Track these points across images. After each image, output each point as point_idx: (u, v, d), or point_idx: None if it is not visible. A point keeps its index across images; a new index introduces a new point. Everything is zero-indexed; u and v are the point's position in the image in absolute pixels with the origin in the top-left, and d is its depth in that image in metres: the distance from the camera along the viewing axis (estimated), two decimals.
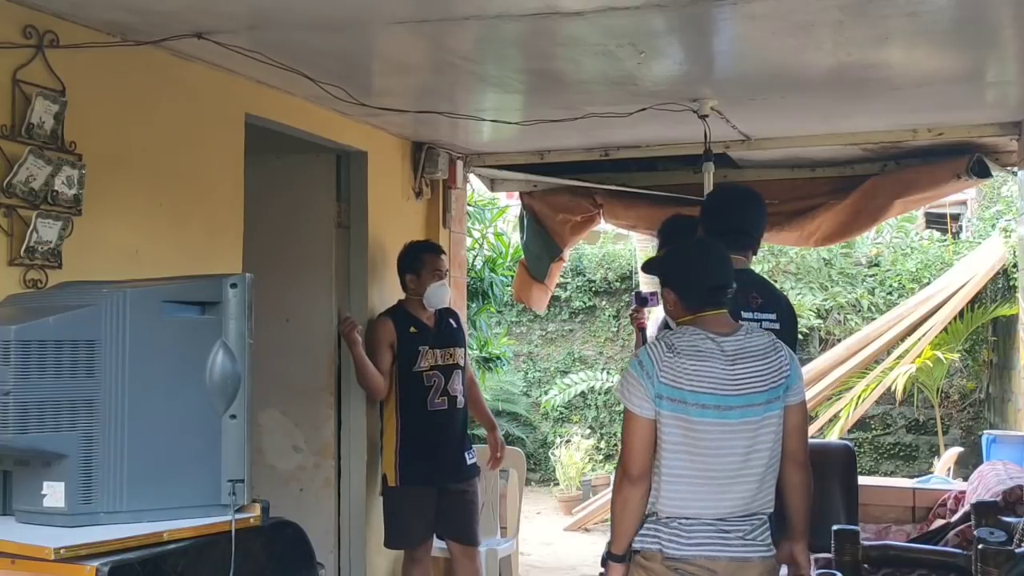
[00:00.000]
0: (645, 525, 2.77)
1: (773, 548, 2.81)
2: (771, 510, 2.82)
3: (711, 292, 2.84)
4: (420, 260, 4.73)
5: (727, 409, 2.71)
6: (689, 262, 2.93)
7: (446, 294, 4.73)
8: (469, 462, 4.74)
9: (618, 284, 10.54)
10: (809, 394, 8.47)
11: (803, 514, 2.93)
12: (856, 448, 6.36)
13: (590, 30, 3.49)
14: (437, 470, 4.64)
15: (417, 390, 4.64)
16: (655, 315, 5.69)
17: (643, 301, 5.46)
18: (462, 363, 4.77)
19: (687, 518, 2.71)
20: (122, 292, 2.47)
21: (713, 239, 3.16)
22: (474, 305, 7.29)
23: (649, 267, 3.17)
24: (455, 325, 4.83)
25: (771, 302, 3.38)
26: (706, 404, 2.70)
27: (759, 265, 9.25)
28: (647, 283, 8.98)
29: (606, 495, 8.47)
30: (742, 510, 2.73)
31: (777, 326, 3.26)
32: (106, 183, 3.50)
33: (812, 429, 8.63)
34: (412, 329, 4.71)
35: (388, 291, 4.71)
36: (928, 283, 9.15)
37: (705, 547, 2.69)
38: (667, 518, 2.73)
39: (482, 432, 5.18)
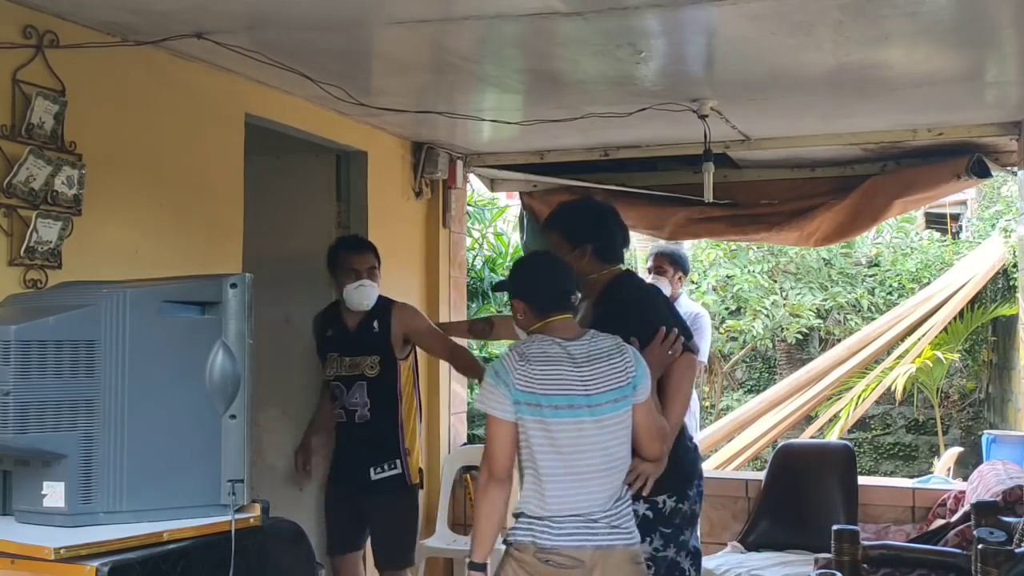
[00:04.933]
0: (518, 521, 2.93)
1: (637, 535, 3.00)
2: (629, 495, 3.01)
3: (556, 299, 3.02)
4: (336, 259, 4.41)
5: (579, 408, 2.89)
6: (534, 272, 3.13)
7: (363, 296, 4.34)
8: (375, 477, 4.34)
9: None
10: (809, 394, 8.50)
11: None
12: (856, 448, 6.36)
13: (590, 30, 3.49)
14: (343, 481, 4.45)
15: (331, 398, 4.48)
16: None
17: None
18: (371, 374, 4.34)
19: (562, 514, 2.87)
20: (122, 292, 2.47)
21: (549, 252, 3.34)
22: (474, 305, 7.29)
23: (499, 286, 3.23)
24: (377, 329, 4.39)
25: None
26: (559, 405, 2.88)
27: (759, 265, 9.26)
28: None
29: None
30: (607, 502, 2.91)
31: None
32: (106, 183, 3.50)
33: (812, 429, 8.64)
34: (329, 332, 4.47)
35: (388, 291, 4.71)
36: (928, 283, 9.15)
37: (574, 538, 2.87)
38: (539, 516, 2.89)
39: None
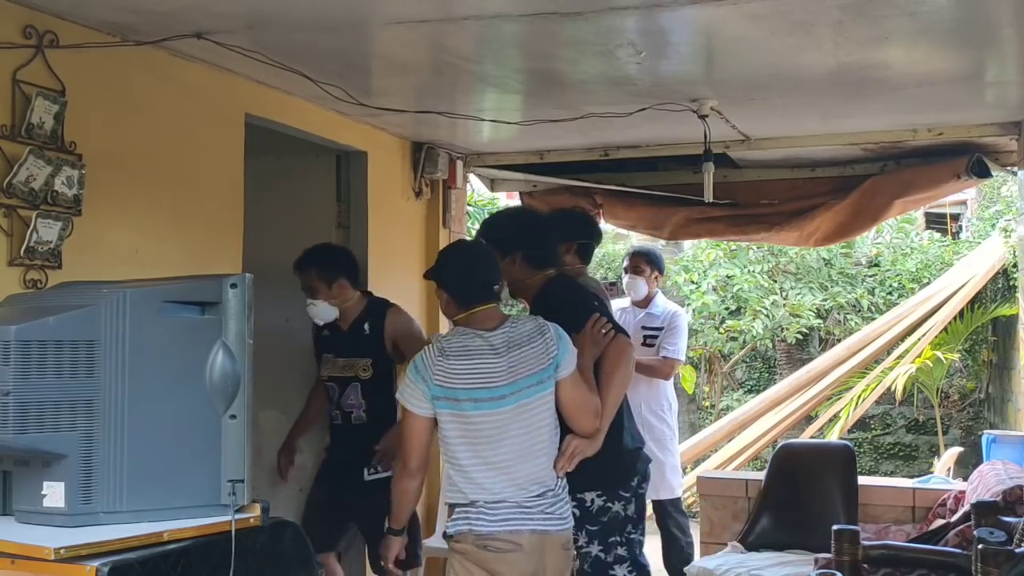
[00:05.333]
0: (455, 512, 3.01)
1: (570, 522, 3.10)
2: (560, 479, 3.09)
3: (478, 289, 3.09)
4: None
5: (500, 398, 2.96)
6: (456, 263, 3.19)
7: (313, 315, 4.39)
8: (368, 478, 4.34)
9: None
10: (809, 394, 8.49)
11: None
12: (856, 448, 6.35)
13: (590, 30, 3.49)
14: (332, 482, 4.45)
15: (326, 398, 4.48)
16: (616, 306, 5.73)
17: None
18: (365, 376, 4.34)
19: (490, 501, 2.96)
20: (122, 292, 2.47)
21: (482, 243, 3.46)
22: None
23: (427, 275, 3.34)
24: (368, 332, 4.39)
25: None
26: (479, 398, 2.96)
27: (759, 265, 9.25)
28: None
29: None
30: (537, 486, 3.00)
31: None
32: (106, 183, 3.50)
33: (812, 429, 8.63)
34: (324, 332, 4.47)
35: (388, 291, 4.71)
36: (928, 283, 9.14)
37: (510, 523, 2.94)
38: (471, 503, 2.97)
39: None
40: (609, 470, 3.42)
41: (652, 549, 5.91)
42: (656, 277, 5.66)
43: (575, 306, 3.51)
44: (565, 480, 3.14)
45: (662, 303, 5.66)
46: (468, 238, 3.70)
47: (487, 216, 3.99)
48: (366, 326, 4.39)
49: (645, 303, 5.62)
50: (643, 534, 3.64)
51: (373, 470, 4.34)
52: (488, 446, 2.97)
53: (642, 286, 5.58)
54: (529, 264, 3.56)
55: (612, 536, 3.48)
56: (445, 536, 3.08)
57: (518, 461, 2.98)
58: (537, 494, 3.00)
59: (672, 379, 5.69)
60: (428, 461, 3.12)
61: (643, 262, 5.62)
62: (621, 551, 3.51)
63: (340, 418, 4.38)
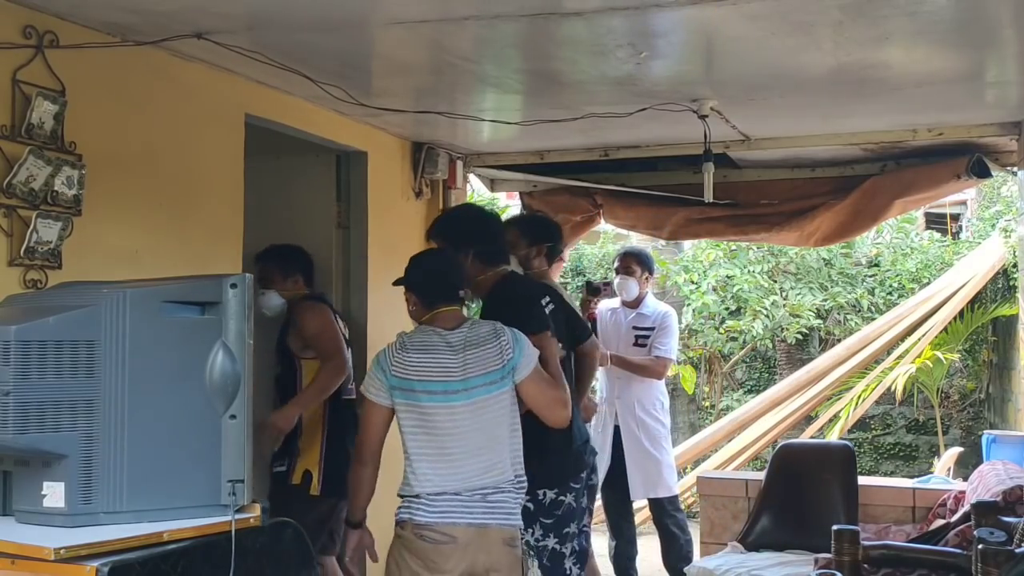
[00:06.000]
0: (402, 501, 3.14)
1: (516, 519, 3.16)
2: (513, 477, 3.16)
3: (441, 293, 3.26)
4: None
5: (453, 393, 3.11)
6: (421, 268, 3.34)
7: (263, 302, 4.39)
8: (276, 470, 4.38)
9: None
10: (809, 394, 8.49)
11: None
12: (856, 448, 6.35)
13: (590, 30, 3.49)
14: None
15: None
16: (603, 306, 5.73)
17: (595, 291, 5.53)
18: (277, 371, 4.50)
19: (433, 492, 3.08)
20: (122, 292, 2.47)
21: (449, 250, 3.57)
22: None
23: (397, 281, 3.43)
24: (281, 326, 4.48)
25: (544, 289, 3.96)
26: (433, 391, 3.11)
27: (759, 265, 9.25)
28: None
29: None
30: (483, 481, 3.10)
31: (552, 305, 3.80)
32: (106, 183, 3.50)
33: (812, 429, 8.63)
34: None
35: (388, 291, 4.70)
36: (928, 283, 9.13)
37: (447, 515, 3.06)
38: (415, 496, 3.10)
39: None
40: (561, 466, 3.59)
41: (651, 548, 5.93)
42: (647, 278, 5.69)
43: (528, 303, 3.61)
44: (523, 478, 3.21)
45: (652, 303, 5.71)
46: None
47: (443, 212, 4.03)
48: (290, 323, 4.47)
49: (636, 304, 5.64)
50: (589, 524, 3.83)
51: (277, 465, 4.39)
52: (439, 438, 3.11)
53: (633, 286, 5.59)
54: (481, 261, 3.65)
55: (567, 528, 3.62)
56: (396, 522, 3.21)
57: (465, 456, 3.10)
58: (479, 488, 3.10)
59: (665, 378, 5.73)
60: (381, 452, 3.22)
61: (634, 263, 5.64)
62: (575, 544, 3.65)
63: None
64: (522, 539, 3.26)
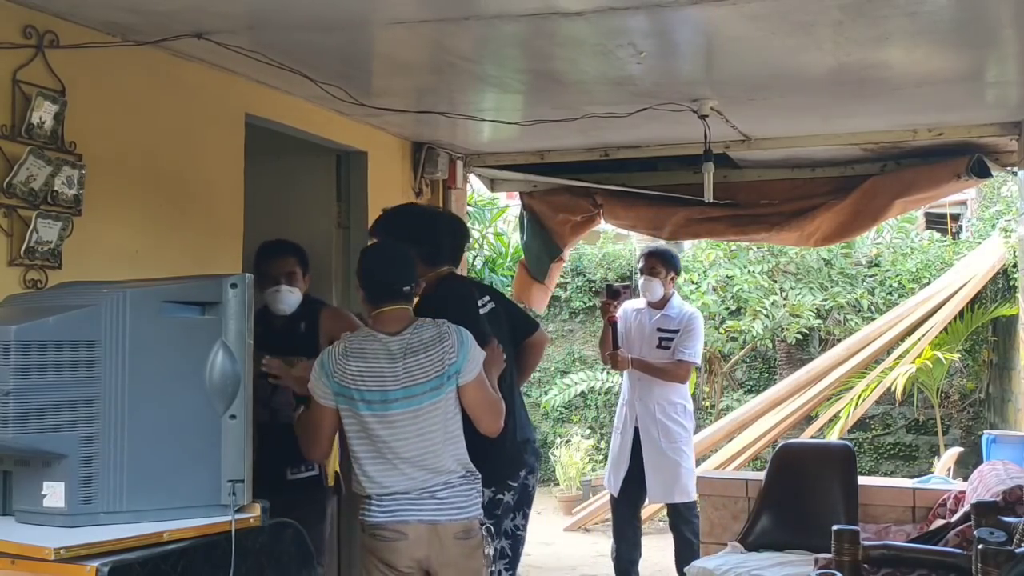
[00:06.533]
0: (361, 503, 3.17)
1: (468, 510, 3.18)
2: (462, 471, 3.19)
3: (383, 289, 3.21)
4: (256, 263, 4.21)
5: (391, 402, 3.10)
6: (366, 262, 3.29)
7: (277, 301, 4.14)
8: (291, 477, 4.20)
9: (618, 284, 10.53)
10: (809, 394, 8.49)
11: None
12: (856, 448, 6.35)
13: (590, 30, 3.49)
14: (258, 482, 4.34)
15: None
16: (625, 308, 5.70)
17: (615, 293, 5.46)
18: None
19: (382, 493, 3.11)
20: (122, 292, 2.47)
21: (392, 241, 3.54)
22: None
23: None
24: (303, 331, 4.22)
25: (484, 289, 3.98)
26: (371, 400, 3.10)
27: (759, 265, 9.25)
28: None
29: (606, 495, 8.46)
30: (431, 481, 3.12)
31: (493, 304, 3.81)
32: (106, 183, 3.50)
33: (812, 429, 8.63)
34: (258, 329, 4.33)
35: None
36: (928, 283, 9.13)
37: (396, 513, 3.10)
38: (366, 496, 3.14)
39: None
40: (499, 466, 3.58)
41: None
42: (672, 278, 5.53)
43: (464, 304, 3.63)
44: (472, 470, 3.23)
45: (678, 305, 5.55)
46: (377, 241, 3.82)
47: (383, 212, 3.95)
48: (302, 325, 4.27)
49: (661, 304, 5.50)
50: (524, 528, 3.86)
51: (297, 470, 4.24)
52: (378, 445, 3.11)
53: (657, 287, 5.46)
54: (424, 262, 3.63)
55: (504, 526, 3.65)
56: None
57: (407, 462, 3.11)
58: (428, 486, 3.12)
59: (688, 382, 5.59)
60: (331, 451, 3.27)
61: (658, 263, 5.50)
62: (506, 544, 3.69)
63: (267, 416, 4.17)
64: (482, 525, 3.25)
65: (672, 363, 5.41)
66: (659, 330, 5.48)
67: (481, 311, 3.75)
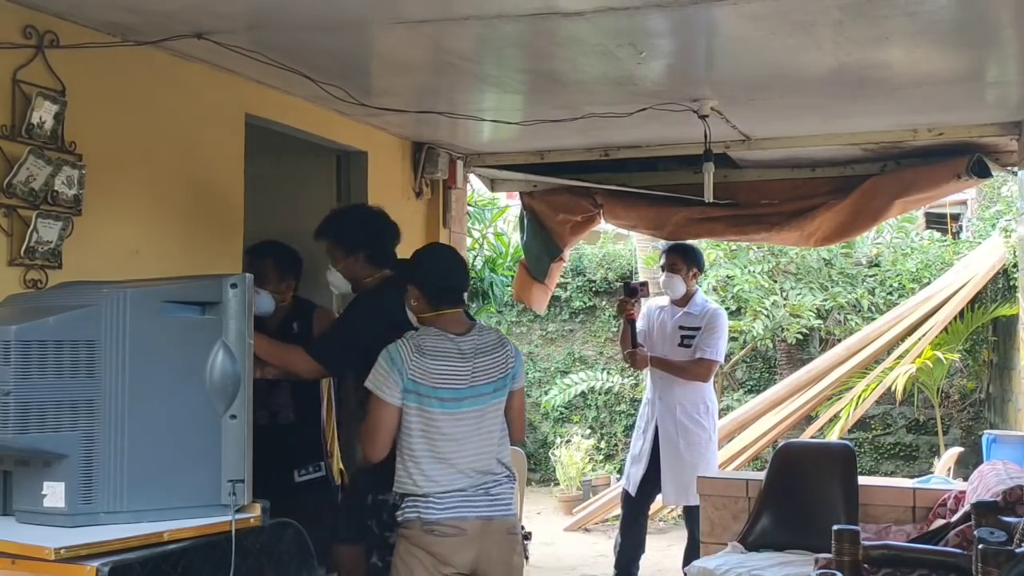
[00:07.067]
0: (405, 501, 3.19)
1: (513, 509, 3.31)
2: (508, 472, 3.31)
3: (447, 292, 3.28)
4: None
5: (461, 400, 3.19)
6: (431, 263, 3.35)
7: (260, 305, 4.04)
8: (299, 479, 4.20)
9: (618, 284, 10.53)
10: (809, 394, 8.49)
11: None
12: (856, 448, 6.35)
13: (590, 30, 3.49)
14: (262, 485, 4.29)
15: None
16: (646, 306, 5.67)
17: (632, 292, 5.41)
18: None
19: (440, 491, 3.15)
20: (122, 292, 2.47)
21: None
22: (475, 305, 7.29)
23: (401, 273, 3.47)
24: (297, 331, 4.18)
25: None
26: (444, 397, 3.16)
27: (759, 265, 9.25)
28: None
29: (607, 495, 8.48)
30: (484, 478, 3.21)
31: None
32: (106, 183, 3.50)
33: (812, 429, 8.63)
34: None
35: None
36: (928, 283, 9.13)
37: (455, 510, 3.15)
38: (422, 494, 3.15)
39: None
40: None
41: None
42: (694, 274, 5.48)
43: (402, 307, 3.60)
44: (513, 473, 3.35)
45: (701, 302, 5.47)
46: (445, 242, 3.82)
47: (332, 212, 3.94)
48: (295, 325, 4.27)
49: (684, 301, 5.44)
50: None
51: (304, 471, 4.24)
52: (444, 442, 3.16)
53: (679, 284, 5.41)
54: (371, 263, 3.70)
55: None
56: (398, 524, 3.23)
57: (468, 458, 3.20)
58: (481, 484, 3.21)
59: (711, 381, 5.51)
60: (389, 449, 3.21)
61: (679, 259, 5.45)
62: None
63: (266, 418, 4.16)
64: (521, 527, 3.41)
65: (692, 361, 5.35)
66: (681, 328, 5.42)
67: None
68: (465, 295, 3.40)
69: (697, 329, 5.38)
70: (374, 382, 3.16)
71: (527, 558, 3.50)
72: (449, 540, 3.13)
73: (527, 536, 3.56)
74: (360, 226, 3.79)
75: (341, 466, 4.49)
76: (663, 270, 5.50)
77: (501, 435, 3.31)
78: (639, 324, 5.54)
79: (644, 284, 5.60)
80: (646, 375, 5.58)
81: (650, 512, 5.92)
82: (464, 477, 3.18)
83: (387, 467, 3.37)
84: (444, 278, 3.29)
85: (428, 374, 3.14)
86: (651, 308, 5.57)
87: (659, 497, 5.67)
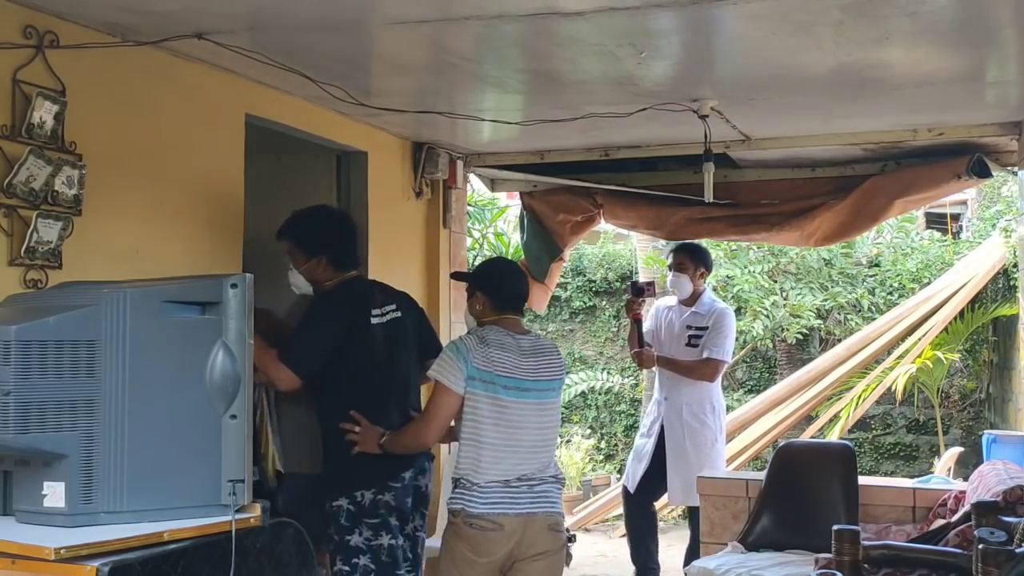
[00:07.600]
0: (454, 490, 3.36)
1: (558, 506, 3.42)
2: (555, 472, 3.44)
3: (513, 300, 3.53)
4: None
5: (524, 391, 3.37)
6: (502, 274, 3.59)
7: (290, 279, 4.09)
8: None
9: (618, 284, 10.53)
10: (809, 394, 8.49)
11: None
12: (856, 448, 6.35)
13: (590, 30, 3.49)
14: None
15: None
16: (653, 306, 5.67)
17: (639, 291, 5.41)
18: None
19: (487, 481, 3.29)
20: (122, 292, 2.48)
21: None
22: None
23: (463, 276, 3.68)
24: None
25: (392, 297, 3.89)
26: (509, 385, 3.34)
27: (759, 265, 9.25)
28: (645, 274, 8.98)
29: (607, 495, 8.48)
30: (538, 473, 3.37)
31: (399, 314, 3.81)
32: (106, 183, 3.50)
33: (812, 429, 8.63)
34: None
35: None
36: (928, 283, 9.13)
37: (497, 505, 3.28)
38: (472, 483, 3.30)
39: None
40: (380, 467, 3.59)
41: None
42: (702, 273, 5.45)
43: (353, 305, 3.69)
44: (561, 475, 3.49)
45: (709, 302, 5.45)
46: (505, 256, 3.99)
47: (295, 214, 3.90)
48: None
49: (691, 301, 5.42)
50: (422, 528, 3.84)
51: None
52: (509, 429, 3.33)
53: (686, 284, 5.39)
54: (334, 267, 3.74)
55: (395, 523, 3.63)
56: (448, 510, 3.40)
57: (527, 449, 3.36)
58: (527, 478, 3.34)
59: (719, 381, 5.47)
60: (444, 436, 3.46)
61: (686, 259, 5.43)
62: (405, 544, 3.69)
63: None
64: (565, 528, 3.48)
65: (699, 361, 5.33)
66: (688, 327, 5.41)
67: (377, 319, 3.72)
68: (524, 304, 3.59)
69: (704, 329, 5.36)
70: (439, 370, 3.35)
71: (569, 558, 3.59)
72: (486, 534, 3.27)
73: (571, 539, 3.64)
74: (322, 231, 3.77)
75: (279, 467, 4.43)
76: (670, 270, 5.50)
77: (555, 434, 3.51)
78: (647, 324, 5.55)
79: (651, 283, 5.59)
80: (652, 375, 5.57)
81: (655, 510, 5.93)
82: (522, 468, 3.32)
83: (335, 473, 3.55)
84: (513, 288, 3.54)
85: (492, 362, 3.32)
86: (659, 308, 5.58)
87: (664, 497, 5.67)
